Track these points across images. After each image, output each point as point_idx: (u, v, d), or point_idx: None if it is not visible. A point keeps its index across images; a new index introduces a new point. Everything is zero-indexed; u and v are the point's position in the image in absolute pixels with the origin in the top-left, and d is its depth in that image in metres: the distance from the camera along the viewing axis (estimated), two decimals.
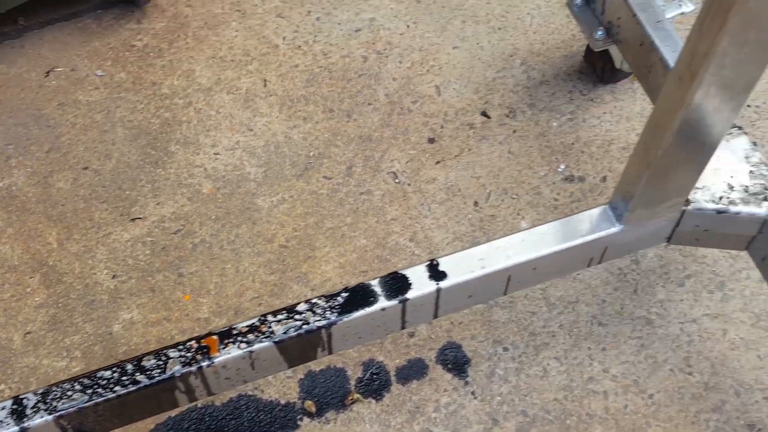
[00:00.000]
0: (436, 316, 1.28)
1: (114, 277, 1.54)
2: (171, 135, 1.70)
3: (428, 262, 1.24)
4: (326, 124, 1.71)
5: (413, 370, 1.45)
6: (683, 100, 1.02)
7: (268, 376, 1.27)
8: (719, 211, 1.25)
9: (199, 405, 1.41)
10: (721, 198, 1.26)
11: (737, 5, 0.89)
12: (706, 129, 1.08)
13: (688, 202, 1.25)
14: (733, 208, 1.25)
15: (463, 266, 1.23)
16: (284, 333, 1.17)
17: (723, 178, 1.28)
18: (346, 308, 1.20)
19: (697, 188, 1.27)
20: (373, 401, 1.42)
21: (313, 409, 1.41)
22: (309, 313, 1.19)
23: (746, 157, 1.29)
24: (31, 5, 1.81)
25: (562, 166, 1.65)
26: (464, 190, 1.63)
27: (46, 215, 1.61)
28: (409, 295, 1.21)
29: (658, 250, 1.55)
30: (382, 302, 1.20)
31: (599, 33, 1.55)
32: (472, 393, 1.42)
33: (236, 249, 1.56)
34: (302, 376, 1.44)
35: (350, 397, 1.42)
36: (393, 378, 1.44)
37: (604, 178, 1.63)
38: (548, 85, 1.76)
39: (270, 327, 1.17)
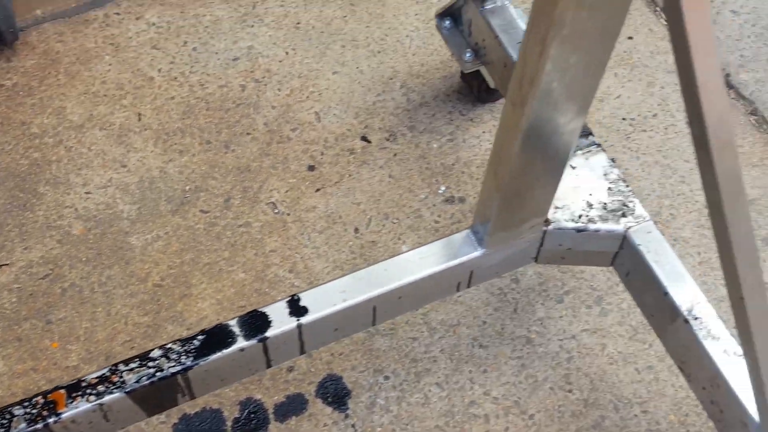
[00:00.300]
0: (302, 351, 1.25)
1: None
2: (40, 176, 1.64)
3: (289, 298, 1.21)
4: (203, 156, 1.68)
5: (292, 406, 1.42)
6: (518, 125, 1.01)
7: (128, 426, 1.22)
8: (579, 230, 1.25)
9: None
10: (580, 216, 1.26)
11: (552, 31, 0.89)
12: (548, 151, 1.07)
13: (547, 222, 1.25)
14: (592, 226, 1.25)
15: (325, 300, 1.21)
16: (136, 382, 1.13)
17: (582, 196, 1.28)
18: (203, 351, 1.16)
19: (558, 207, 1.26)
20: None
21: None
22: (163, 359, 1.15)
23: (605, 174, 1.30)
24: None
25: (443, 188, 1.64)
26: (345, 217, 1.61)
27: None
28: (269, 333, 1.18)
29: (538, 267, 1.55)
30: (241, 342, 1.17)
31: (467, 55, 1.55)
32: (353, 426, 1.40)
33: (108, 291, 1.52)
34: (176, 420, 1.40)
35: None
36: (271, 416, 1.41)
37: None
38: (428, 106, 1.75)
39: (121, 377, 1.13)
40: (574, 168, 1.30)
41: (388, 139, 1.71)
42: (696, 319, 1.17)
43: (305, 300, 1.21)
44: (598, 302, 1.51)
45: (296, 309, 1.20)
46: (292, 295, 1.21)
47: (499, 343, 1.47)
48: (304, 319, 1.19)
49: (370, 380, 1.44)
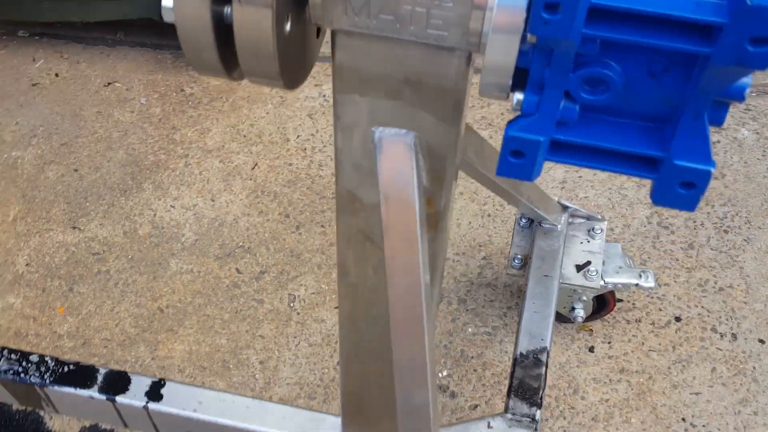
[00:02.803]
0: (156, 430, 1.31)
1: (27, 264, 1.73)
2: (152, 175, 1.86)
3: (157, 379, 1.27)
4: (274, 225, 1.78)
5: None
6: None
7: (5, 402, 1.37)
8: None
9: None
10: None
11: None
12: None
13: None
14: None
15: (182, 400, 1.25)
16: (4, 372, 1.27)
17: None
18: (62, 380, 1.27)
19: None
20: None
21: None
22: (33, 366, 1.28)
23: None
24: (131, 25, 2.07)
25: (445, 372, 1.58)
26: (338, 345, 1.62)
27: (22, 193, 1.84)
28: (119, 398, 1.26)
29: None
30: (93, 392, 1.26)
31: (516, 260, 1.48)
32: None
33: (125, 292, 1.69)
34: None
35: None
36: None
37: None
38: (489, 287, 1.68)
39: None
40: None
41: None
42: None
43: (168, 389, 1.26)
44: None
45: (154, 392, 1.26)
46: (160, 379, 1.27)
47: None
48: (153, 405, 1.25)
49: None
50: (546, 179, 1.81)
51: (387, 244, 0.73)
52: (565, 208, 1.41)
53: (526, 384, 1.24)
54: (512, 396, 1.23)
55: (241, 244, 1.75)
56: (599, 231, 1.48)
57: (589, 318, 1.57)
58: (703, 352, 1.54)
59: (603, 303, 1.54)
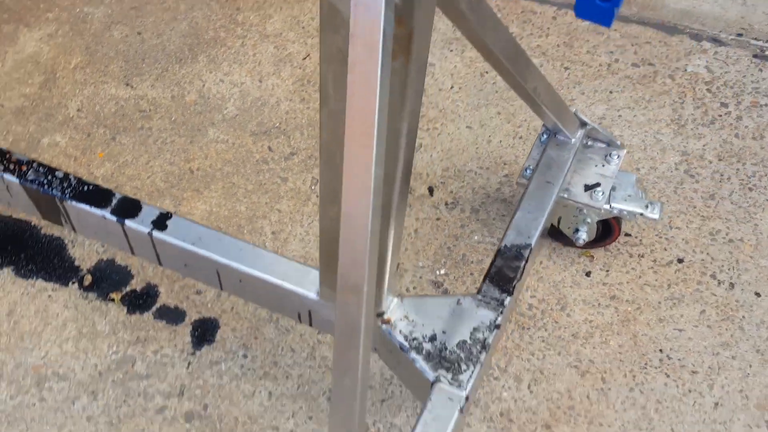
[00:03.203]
0: (160, 263, 1.40)
1: (78, 110, 1.85)
2: (209, 49, 1.95)
3: (165, 211, 1.36)
4: (312, 113, 1.85)
5: (171, 316, 1.57)
6: None
7: (26, 213, 1.48)
8: None
9: None
10: None
11: None
12: None
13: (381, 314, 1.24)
14: None
15: (183, 233, 1.34)
16: (30, 181, 1.38)
17: None
18: (80, 197, 1.37)
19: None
20: (125, 311, 1.57)
21: (89, 281, 1.61)
22: (58, 181, 1.39)
23: None
24: None
25: (443, 271, 1.64)
26: None
27: (86, 45, 1.95)
28: (127, 221, 1.35)
29: None
30: (106, 212, 1.36)
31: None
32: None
33: (161, 149, 1.78)
34: (99, 260, 1.64)
35: (114, 296, 1.59)
36: (157, 307, 1.58)
37: None
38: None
39: (27, 170, 1.39)
40: None
41: (447, 204, 1.72)
42: None
43: (173, 222, 1.35)
44: None
45: (160, 222, 1.35)
46: (168, 212, 1.36)
47: None
48: (157, 233, 1.34)
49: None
50: (585, 114, 1.83)
51: (351, 55, 0.79)
52: (583, 124, 1.44)
53: (503, 273, 1.29)
54: (487, 281, 1.28)
55: (278, 125, 1.83)
56: (616, 157, 1.50)
57: (593, 244, 1.60)
58: (696, 295, 1.55)
59: (608, 230, 1.56)
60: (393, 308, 1.24)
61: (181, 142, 1.80)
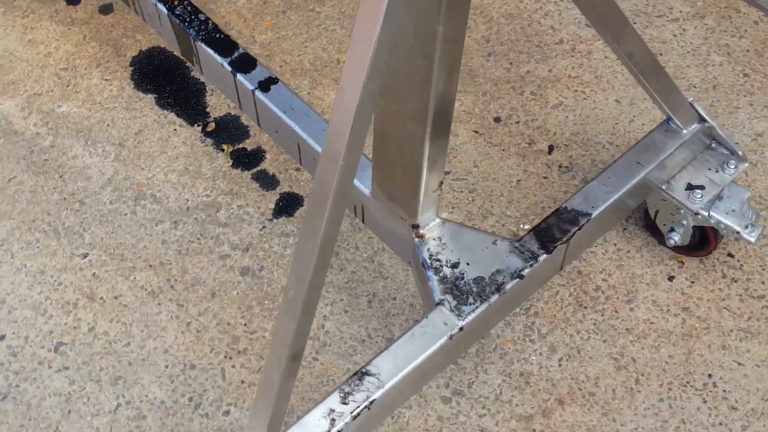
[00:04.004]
0: (258, 122, 1.50)
1: None
2: None
3: (274, 77, 1.44)
4: None
5: (266, 181, 1.67)
6: None
7: (170, 45, 1.61)
8: None
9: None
10: None
11: None
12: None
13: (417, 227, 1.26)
14: None
15: (281, 99, 1.42)
16: (177, 15, 1.51)
17: None
18: (210, 41, 1.48)
19: None
20: (230, 163, 1.69)
21: (212, 128, 1.74)
22: (198, 22, 1.50)
23: None
24: None
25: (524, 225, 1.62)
26: None
27: None
28: (240, 75, 1.45)
29: None
30: (225, 60, 1.46)
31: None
32: None
33: (321, 34, 1.87)
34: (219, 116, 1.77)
35: (226, 148, 1.71)
36: (257, 169, 1.69)
37: None
38: None
39: (177, 4, 1.51)
40: None
41: (560, 167, 1.69)
42: None
43: (277, 88, 1.43)
44: None
45: (265, 84, 1.43)
46: (276, 78, 1.44)
47: None
48: (259, 93, 1.43)
49: None
50: (738, 129, 1.71)
51: None
52: (701, 119, 1.36)
53: (550, 231, 1.26)
54: (532, 233, 1.26)
55: None
56: (733, 167, 1.41)
57: (687, 251, 1.52)
58: None
59: (704, 240, 1.48)
60: (431, 227, 1.26)
61: (340, 33, 1.87)
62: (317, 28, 1.88)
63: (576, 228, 1.26)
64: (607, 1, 1.07)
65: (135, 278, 1.55)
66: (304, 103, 1.41)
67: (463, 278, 1.21)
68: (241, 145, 1.72)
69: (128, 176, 1.68)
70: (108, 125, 1.76)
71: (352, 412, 1.11)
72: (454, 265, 1.22)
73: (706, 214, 1.39)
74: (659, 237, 1.53)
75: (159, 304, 1.52)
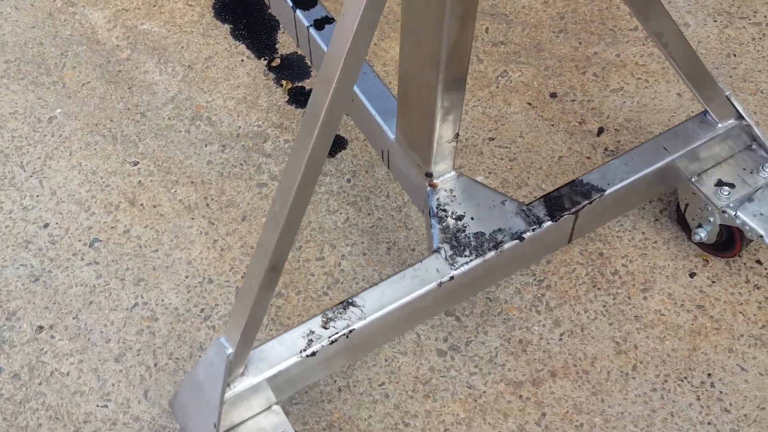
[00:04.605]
0: (311, 60, 1.55)
1: None
2: None
3: (331, 17, 1.49)
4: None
5: None
6: None
7: None
8: None
9: None
10: None
11: None
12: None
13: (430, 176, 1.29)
14: None
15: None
16: None
17: None
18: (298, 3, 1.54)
19: None
20: (286, 99, 1.75)
21: (277, 63, 1.81)
22: None
23: None
24: None
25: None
26: None
27: None
28: (299, 11, 1.50)
29: None
30: None
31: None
32: None
33: None
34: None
35: (285, 84, 1.78)
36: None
37: None
38: None
39: None
40: None
41: (606, 150, 1.68)
42: None
43: (331, 28, 1.48)
44: None
45: (321, 22, 1.48)
46: (332, 18, 1.48)
47: None
48: (313, 30, 1.48)
49: None
50: None
51: None
52: (739, 115, 1.33)
53: (560, 200, 1.27)
54: (542, 199, 1.27)
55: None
56: None
57: (713, 251, 1.49)
58: None
59: (730, 240, 1.45)
60: (446, 178, 1.29)
61: None
62: None
63: (587, 201, 1.26)
64: None
65: (176, 191, 1.64)
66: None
67: (464, 231, 1.23)
68: (300, 84, 1.78)
69: (190, 97, 1.77)
70: (182, 47, 1.85)
71: (330, 337, 1.15)
72: (459, 218, 1.24)
73: (732, 213, 1.37)
74: (688, 232, 1.51)
75: (192, 218, 1.60)
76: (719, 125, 1.33)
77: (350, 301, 1.18)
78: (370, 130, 1.41)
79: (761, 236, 1.36)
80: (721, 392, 1.38)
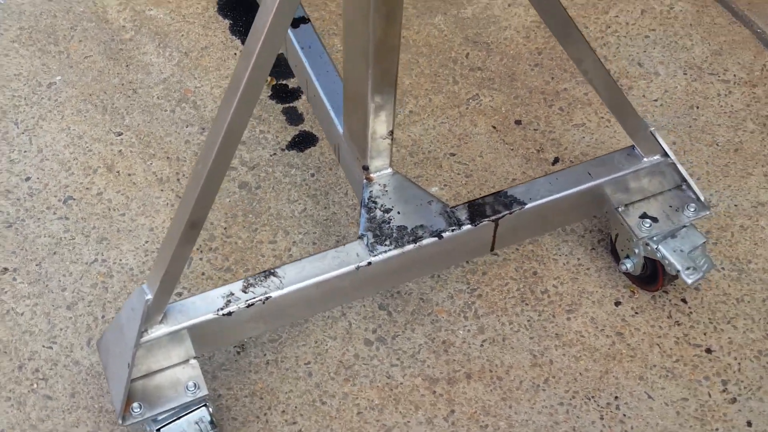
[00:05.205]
0: (286, 53, 1.66)
1: None
2: None
3: (306, 18, 1.60)
4: None
5: (293, 117, 1.83)
6: None
7: None
8: None
9: None
10: None
11: None
12: None
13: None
14: None
15: (303, 38, 1.57)
16: None
17: None
18: None
19: None
20: (268, 94, 1.86)
21: None
22: None
23: None
24: None
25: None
26: None
27: None
28: None
29: None
30: None
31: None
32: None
33: None
34: None
35: (269, 80, 1.89)
36: (288, 106, 1.85)
37: None
38: None
39: None
40: None
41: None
42: None
43: (304, 28, 1.58)
44: None
45: (296, 22, 1.59)
46: (308, 19, 1.59)
47: None
48: (289, 29, 1.59)
49: None
50: (743, 193, 1.72)
51: None
52: (664, 152, 1.40)
53: (483, 208, 1.36)
54: (466, 205, 1.36)
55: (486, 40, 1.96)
56: (692, 211, 1.45)
57: (639, 283, 1.57)
58: (693, 385, 1.47)
59: (654, 274, 1.52)
60: (382, 174, 1.38)
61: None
62: None
63: (507, 212, 1.35)
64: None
65: (151, 164, 1.75)
66: (322, 45, 1.56)
67: (389, 223, 1.32)
68: (284, 82, 1.89)
69: (181, 81, 1.88)
70: (182, 35, 1.97)
71: (247, 301, 1.24)
72: (386, 211, 1.34)
73: (654, 246, 1.44)
74: (618, 262, 1.58)
75: (162, 190, 1.71)
76: (645, 159, 1.41)
77: (272, 271, 1.27)
78: (326, 124, 1.51)
79: (678, 271, 1.43)
80: (624, 415, 1.44)
